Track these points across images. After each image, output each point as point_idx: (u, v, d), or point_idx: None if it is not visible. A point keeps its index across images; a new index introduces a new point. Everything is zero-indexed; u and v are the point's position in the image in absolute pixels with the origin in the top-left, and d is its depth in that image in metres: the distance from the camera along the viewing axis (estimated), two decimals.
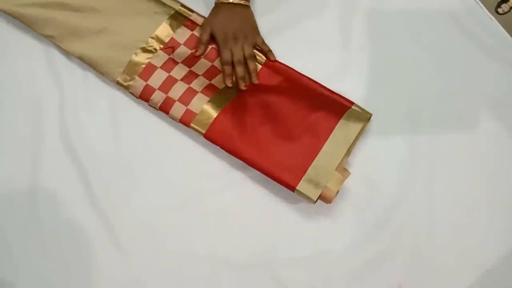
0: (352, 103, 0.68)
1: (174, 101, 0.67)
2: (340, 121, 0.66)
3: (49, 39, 0.70)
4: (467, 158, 0.70)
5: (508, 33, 0.73)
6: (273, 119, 0.67)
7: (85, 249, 0.67)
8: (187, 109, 0.67)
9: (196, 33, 0.70)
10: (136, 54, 0.68)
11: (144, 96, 0.69)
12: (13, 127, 0.70)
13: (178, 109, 0.67)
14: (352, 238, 0.67)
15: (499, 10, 0.75)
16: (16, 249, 0.67)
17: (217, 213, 0.68)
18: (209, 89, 0.67)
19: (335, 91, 0.69)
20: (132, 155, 0.70)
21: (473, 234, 0.68)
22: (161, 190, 0.69)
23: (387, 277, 0.66)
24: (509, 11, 0.75)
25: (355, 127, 0.66)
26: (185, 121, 0.67)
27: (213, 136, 0.67)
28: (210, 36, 0.69)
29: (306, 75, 0.70)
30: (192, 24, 0.71)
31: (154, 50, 0.69)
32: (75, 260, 0.66)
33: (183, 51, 0.69)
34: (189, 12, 0.72)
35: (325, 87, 0.69)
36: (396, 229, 0.67)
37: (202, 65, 0.68)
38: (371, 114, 0.68)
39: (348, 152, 0.65)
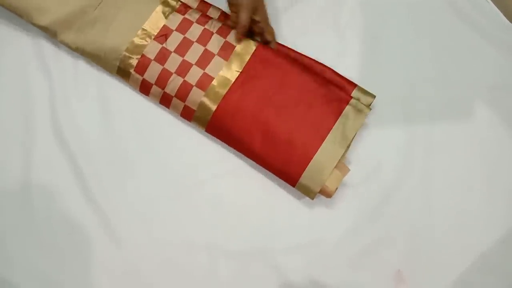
0: (351, 97, 0.66)
1: (172, 96, 0.67)
2: (339, 119, 0.64)
3: (44, 30, 0.69)
4: (464, 144, 0.70)
5: (504, 15, 0.72)
6: (270, 115, 0.65)
7: (80, 240, 0.66)
8: (185, 105, 0.66)
9: (188, 16, 0.69)
10: (129, 45, 0.67)
11: (143, 91, 0.69)
12: (3, 118, 0.70)
13: (177, 105, 0.67)
14: (350, 225, 0.67)
15: None
16: (10, 240, 0.66)
17: (213, 201, 0.67)
18: (204, 80, 0.66)
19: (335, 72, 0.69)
20: (125, 144, 0.69)
21: (471, 220, 0.67)
22: (156, 178, 0.68)
23: (385, 263, 0.66)
24: None
25: (354, 124, 0.64)
26: (185, 117, 0.68)
27: (213, 132, 0.68)
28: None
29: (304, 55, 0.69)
30: (184, 8, 0.70)
31: (147, 41, 0.68)
32: (70, 251, 0.66)
33: (176, 37, 0.68)
34: None
35: (325, 71, 0.68)
36: (394, 215, 0.67)
37: (195, 51, 0.67)
38: (370, 109, 0.65)
39: (347, 149, 0.64)
